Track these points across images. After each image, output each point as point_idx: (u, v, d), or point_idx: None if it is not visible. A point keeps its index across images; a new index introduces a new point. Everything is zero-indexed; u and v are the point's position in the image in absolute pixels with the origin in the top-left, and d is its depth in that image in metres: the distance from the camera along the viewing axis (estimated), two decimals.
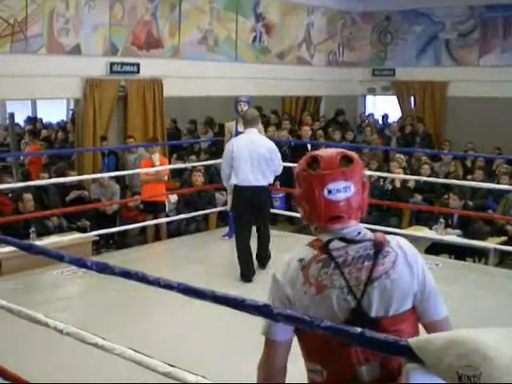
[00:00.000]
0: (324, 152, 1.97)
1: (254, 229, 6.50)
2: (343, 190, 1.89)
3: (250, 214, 6.23)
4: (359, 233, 1.94)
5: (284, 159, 6.94)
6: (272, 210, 8.55)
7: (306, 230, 9.32)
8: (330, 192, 1.89)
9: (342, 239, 1.91)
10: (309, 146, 10.45)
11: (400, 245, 1.94)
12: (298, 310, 1.86)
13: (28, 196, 7.34)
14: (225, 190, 7.65)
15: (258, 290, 6.34)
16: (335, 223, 1.93)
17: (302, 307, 1.88)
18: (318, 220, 1.96)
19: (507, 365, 1.31)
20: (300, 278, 1.89)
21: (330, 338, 1.68)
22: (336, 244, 1.90)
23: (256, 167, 6.09)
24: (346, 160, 1.92)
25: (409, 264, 1.90)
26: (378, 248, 1.89)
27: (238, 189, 6.15)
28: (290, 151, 9.94)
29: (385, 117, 14.58)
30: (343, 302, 1.85)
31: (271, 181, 6.37)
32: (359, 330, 1.53)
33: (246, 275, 6.15)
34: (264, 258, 6.44)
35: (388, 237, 1.96)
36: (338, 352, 1.85)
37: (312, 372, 1.96)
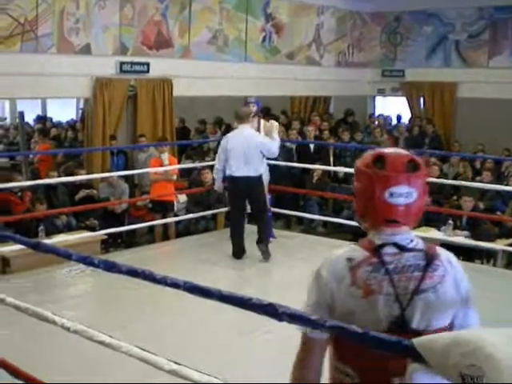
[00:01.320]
0: (391, 152, 1.94)
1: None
2: (405, 195, 1.86)
3: (243, 202, 6.83)
4: (411, 241, 1.91)
5: (292, 159, 6.99)
6: (281, 211, 8.55)
7: (312, 231, 9.33)
8: (391, 195, 1.86)
9: (395, 245, 1.89)
10: (311, 146, 10.41)
11: (450, 260, 1.92)
12: (338, 309, 1.85)
13: (43, 208, 7.47)
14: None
15: (265, 290, 6.34)
16: (389, 226, 1.90)
17: (345, 308, 1.85)
18: (371, 219, 1.93)
19: (511, 365, 1.31)
20: (347, 278, 1.86)
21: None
22: (388, 249, 1.88)
23: (248, 160, 6.62)
24: (413, 165, 1.89)
25: (456, 282, 1.90)
26: (429, 260, 1.87)
27: (232, 179, 6.72)
28: (296, 152, 9.91)
29: (398, 117, 14.52)
30: (388, 310, 1.83)
31: (262, 171, 6.82)
32: (361, 330, 1.52)
33: (237, 254, 6.81)
34: (263, 239, 6.76)
35: (438, 249, 1.94)
36: (377, 361, 1.77)
37: (340, 372, 1.91)
